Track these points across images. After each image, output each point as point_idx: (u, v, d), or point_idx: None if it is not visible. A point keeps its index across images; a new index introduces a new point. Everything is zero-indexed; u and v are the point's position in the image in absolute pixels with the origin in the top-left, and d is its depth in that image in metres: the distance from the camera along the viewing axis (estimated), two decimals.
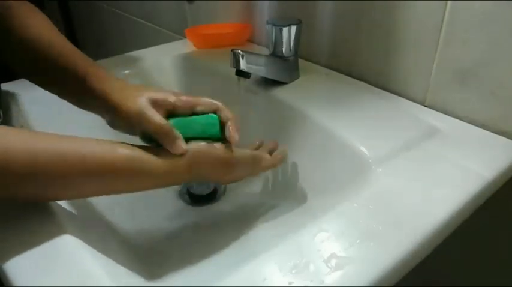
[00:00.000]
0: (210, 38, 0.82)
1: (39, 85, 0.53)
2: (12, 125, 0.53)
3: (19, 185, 0.36)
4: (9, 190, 0.36)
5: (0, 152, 0.35)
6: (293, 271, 0.35)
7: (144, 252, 0.50)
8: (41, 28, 0.52)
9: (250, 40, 0.84)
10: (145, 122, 0.44)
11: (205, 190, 0.62)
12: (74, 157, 0.38)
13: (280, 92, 0.64)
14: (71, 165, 0.37)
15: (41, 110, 0.62)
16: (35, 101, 0.59)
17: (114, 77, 0.50)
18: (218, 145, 0.46)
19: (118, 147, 0.41)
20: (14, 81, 0.66)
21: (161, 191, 0.62)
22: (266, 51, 0.68)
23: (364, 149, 0.49)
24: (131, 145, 0.42)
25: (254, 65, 0.59)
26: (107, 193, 0.41)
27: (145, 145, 0.44)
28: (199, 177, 0.46)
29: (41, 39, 0.50)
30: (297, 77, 0.68)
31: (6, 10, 0.51)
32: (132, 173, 0.41)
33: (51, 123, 0.62)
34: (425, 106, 0.60)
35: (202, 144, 0.45)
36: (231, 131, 0.47)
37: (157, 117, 0.44)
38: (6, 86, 0.63)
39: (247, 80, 0.60)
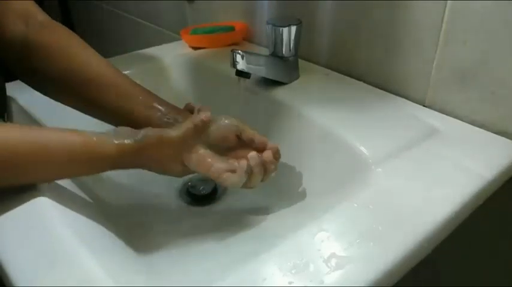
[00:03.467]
0: (203, 39, 0.82)
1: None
2: None
3: None
4: None
5: None
6: (293, 271, 0.35)
7: (143, 252, 0.50)
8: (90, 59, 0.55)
9: (250, 40, 0.84)
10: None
11: (205, 190, 0.62)
12: (33, 144, 0.41)
13: (280, 92, 0.64)
14: (30, 153, 0.41)
15: (41, 110, 0.62)
16: (35, 101, 0.59)
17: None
18: (175, 128, 0.47)
19: (75, 134, 0.43)
20: (15, 82, 0.66)
21: (161, 191, 0.62)
22: (266, 51, 0.68)
23: (364, 149, 0.49)
24: (88, 131, 0.44)
25: (254, 65, 0.59)
26: (66, 177, 0.46)
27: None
28: (151, 162, 0.47)
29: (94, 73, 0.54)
30: (297, 77, 0.68)
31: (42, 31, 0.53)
32: (86, 156, 0.43)
33: (53, 124, 0.62)
34: (425, 106, 0.60)
35: (156, 129, 0.47)
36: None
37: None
38: (11, 86, 0.63)
39: (247, 80, 0.60)
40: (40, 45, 0.52)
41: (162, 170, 0.48)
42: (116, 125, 0.51)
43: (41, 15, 0.55)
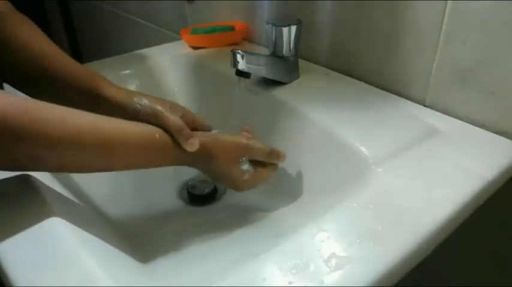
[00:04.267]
0: (203, 39, 0.82)
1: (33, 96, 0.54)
2: None
3: (64, 154, 0.40)
4: (56, 158, 0.40)
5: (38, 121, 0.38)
6: (293, 271, 0.35)
7: (143, 252, 0.50)
8: (36, 39, 0.53)
9: (250, 40, 0.84)
10: (164, 120, 0.48)
11: (205, 190, 0.62)
12: (123, 133, 0.44)
13: (280, 92, 0.64)
14: (119, 140, 0.43)
15: None
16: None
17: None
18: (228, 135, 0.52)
19: (146, 126, 0.47)
20: None
21: (161, 191, 0.62)
22: (266, 51, 0.68)
23: (364, 149, 0.49)
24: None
25: (254, 65, 0.59)
26: (137, 167, 0.46)
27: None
28: (208, 163, 0.50)
29: (41, 52, 0.53)
30: (297, 77, 0.68)
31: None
32: (166, 145, 0.47)
33: None
34: (425, 106, 0.60)
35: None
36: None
37: (173, 117, 0.48)
38: (7, 86, 0.63)
39: (247, 80, 0.60)
40: (6, 38, 0.52)
41: (225, 172, 0.52)
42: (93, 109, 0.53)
43: (6, 8, 0.54)
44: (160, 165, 0.48)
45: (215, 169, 0.51)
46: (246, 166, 0.52)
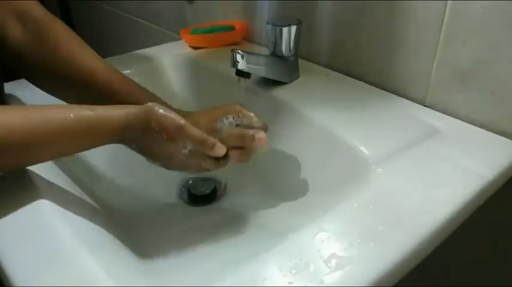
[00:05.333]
0: (202, 39, 0.82)
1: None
2: None
3: None
4: None
5: None
6: (293, 271, 0.34)
7: (143, 252, 0.50)
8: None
9: (250, 40, 0.84)
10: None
11: (205, 190, 0.62)
12: (38, 121, 0.41)
13: (280, 92, 0.64)
14: (36, 129, 0.40)
15: None
16: (35, 101, 0.59)
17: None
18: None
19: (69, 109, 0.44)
20: (16, 81, 0.66)
21: (161, 191, 0.62)
22: (266, 51, 0.68)
23: (364, 149, 0.49)
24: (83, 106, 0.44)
25: (254, 65, 0.59)
26: (73, 152, 0.46)
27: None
28: (135, 139, 0.46)
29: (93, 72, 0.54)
30: (297, 77, 0.68)
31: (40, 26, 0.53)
32: (95, 124, 0.44)
33: None
34: (425, 106, 0.60)
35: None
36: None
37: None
38: (9, 86, 0.63)
39: (247, 80, 0.60)
40: (35, 43, 0.53)
41: (160, 157, 0.48)
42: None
43: (35, 11, 0.55)
44: (92, 147, 0.46)
45: (149, 144, 0.47)
46: (187, 148, 0.47)
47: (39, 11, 0.55)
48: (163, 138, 0.46)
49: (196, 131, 0.47)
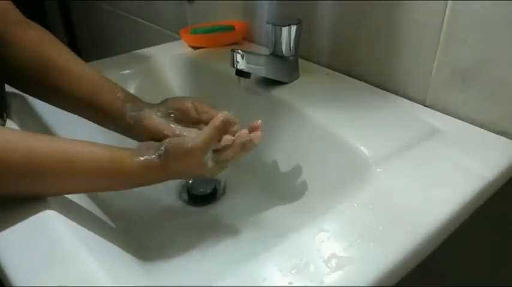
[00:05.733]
0: (202, 38, 0.82)
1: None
2: (19, 127, 0.53)
3: (14, 181, 0.39)
4: (8, 186, 0.39)
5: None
6: (293, 271, 0.34)
7: (143, 252, 0.50)
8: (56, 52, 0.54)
9: (250, 40, 0.84)
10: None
11: (205, 190, 0.62)
12: (63, 156, 0.41)
13: (280, 92, 0.64)
14: (59, 163, 0.41)
15: (41, 109, 0.62)
16: (35, 100, 0.59)
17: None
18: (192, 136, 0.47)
19: (102, 148, 0.44)
20: None
21: (161, 191, 0.62)
22: (266, 51, 0.68)
23: (364, 149, 0.49)
24: (112, 146, 0.45)
25: (254, 64, 0.59)
26: (90, 191, 0.46)
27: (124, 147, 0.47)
28: (177, 173, 0.47)
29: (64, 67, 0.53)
30: (297, 77, 0.68)
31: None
32: (113, 172, 0.44)
33: (58, 123, 0.62)
34: (425, 106, 0.60)
35: (175, 138, 0.47)
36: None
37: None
38: (7, 86, 0.63)
39: (247, 80, 0.60)
40: (14, 41, 0.53)
41: (190, 176, 0.51)
42: (89, 117, 0.55)
43: (17, 15, 0.56)
44: (108, 190, 0.47)
45: (180, 175, 0.49)
46: (209, 162, 0.48)
47: (19, 15, 0.56)
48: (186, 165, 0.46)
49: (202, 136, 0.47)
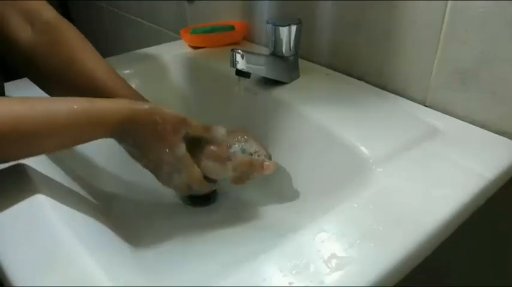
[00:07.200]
0: (202, 38, 0.82)
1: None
2: None
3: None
4: None
5: None
6: (293, 271, 0.34)
7: (143, 252, 0.50)
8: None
9: (250, 40, 0.84)
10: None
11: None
12: (43, 113, 0.41)
13: (280, 92, 0.64)
14: (41, 120, 0.41)
15: None
16: None
17: None
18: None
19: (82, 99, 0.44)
20: (16, 81, 0.66)
21: (161, 191, 0.62)
22: (266, 51, 0.68)
23: (364, 149, 0.49)
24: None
25: (254, 64, 0.59)
26: (70, 142, 0.46)
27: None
28: (131, 139, 0.47)
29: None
30: (297, 77, 0.68)
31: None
32: (91, 114, 0.44)
33: None
34: (425, 106, 0.60)
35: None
36: None
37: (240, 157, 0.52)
38: (9, 86, 0.63)
39: (247, 80, 0.60)
40: (43, 45, 0.53)
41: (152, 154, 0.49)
42: None
43: (46, 13, 0.55)
44: (88, 141, 0.46)
45: (147, 145, 0.48)
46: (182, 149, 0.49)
47: (49, 13, 0.55)
48: (160, 137, 0.47)
49: (198, 124, 0.50)
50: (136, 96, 0.55)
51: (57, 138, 0.43)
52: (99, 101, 0.45)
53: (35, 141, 0.42)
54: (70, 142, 0.46)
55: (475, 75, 0.53)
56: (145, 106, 0.47)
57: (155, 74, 0.78)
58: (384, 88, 0.64)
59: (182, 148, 0.49)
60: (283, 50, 0.64)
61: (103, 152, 0.58)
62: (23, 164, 0.47)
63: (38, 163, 0.47)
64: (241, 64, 0.57)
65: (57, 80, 0.54)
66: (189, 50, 0.83)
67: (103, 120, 0.45)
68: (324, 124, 0.55)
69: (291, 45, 0.64)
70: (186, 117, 0.50)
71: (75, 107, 0.43)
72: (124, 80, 0.56)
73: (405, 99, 0.61)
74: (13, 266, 0.35)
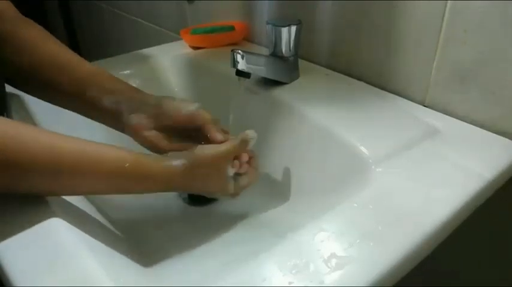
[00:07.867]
0: (203, 39, 0.82)
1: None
2: None
3: (38, 180, 0.39)
4: (27, 183, 0.39)
5: (25, 150, 0.37)
6: (293, 271, 0.35)
7: (143, 252, 0.50)
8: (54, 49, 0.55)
9: (250, 40, 0.84)
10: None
11: None
12: (93, 157, 0.41)
13: (280, 92, 0.64)
14: (88, 165, 0.41)
15: (41, 109, 0.62)
16: (35, 100, 0.59)
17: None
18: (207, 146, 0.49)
19: (127, 151, 0.44)
20: None
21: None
22: (266, 51, 0.68)
23: (364, 149, 0.49)
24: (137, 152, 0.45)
25: (254, 65, 0.59)
26: (114, 192, 0.44)
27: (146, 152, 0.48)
28: (196, 182, 0.48)
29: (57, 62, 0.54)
30: (297, 77, 0.68)
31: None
32: (137, 173, 0.44)
33: (58, 124, 0.62)
34: (425, 106, 0.60)
35: (199, 147, 0.49)
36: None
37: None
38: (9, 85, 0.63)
39: (247, 80, 0.60)
40: (12, 38, 0.53)
41: (211, 189, 0.50)
42: (86, 114, 0.55)
43: (13, 12, 0.55)
44: (132, 192, 0.46)
45: (203, 186, 0.50)
46: (231, 179, 0.50)
47: (12, 13, 0.55)
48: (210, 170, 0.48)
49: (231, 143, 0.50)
50: (98, 70, 0.56)
51: (96, 184, 0.43)
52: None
53: (74, 181, 0.41)
54: (110, 189, 0.45)
55: (474, 75, 0.53)
56: (180, 166, 0.46)
57: (155, 74, 0.78)
58: (383, 88, 0.64)
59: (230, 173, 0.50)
60: (283, 51, 0.64)
61: None
62: None
63: None
64: (241, 64, 0.58)
65: (35, 79, 0.54)
66: (189, 50, 0.83)
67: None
68: (324, 124, 0.55)
69: (291, 45, 0.64)
70: (227, 149, 0.49)
71: (122, 154, 0.43)
72: (92, 65, 0.57)
73: (405, 100, 0.61)
74: (14, 267, 0.35)
